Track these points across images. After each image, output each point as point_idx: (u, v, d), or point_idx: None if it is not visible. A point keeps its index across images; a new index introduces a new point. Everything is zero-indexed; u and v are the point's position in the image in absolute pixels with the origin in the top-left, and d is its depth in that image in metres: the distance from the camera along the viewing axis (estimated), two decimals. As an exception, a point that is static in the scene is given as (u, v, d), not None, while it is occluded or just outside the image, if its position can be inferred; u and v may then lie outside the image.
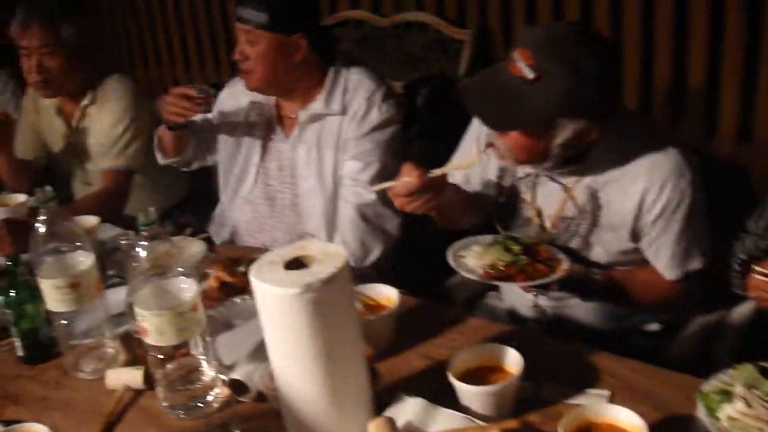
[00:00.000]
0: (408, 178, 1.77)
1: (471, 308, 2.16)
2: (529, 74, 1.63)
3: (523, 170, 1.94)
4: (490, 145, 1.80)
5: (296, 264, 1.29)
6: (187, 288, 1.46)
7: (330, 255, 1.29)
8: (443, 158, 1.93)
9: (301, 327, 1.24)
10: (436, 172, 1.79)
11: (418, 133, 2.83)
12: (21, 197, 2.61)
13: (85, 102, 2.80)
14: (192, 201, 3.03)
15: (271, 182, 2.40)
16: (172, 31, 4.94)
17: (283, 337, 1.28)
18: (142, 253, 1.43)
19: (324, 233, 2.30)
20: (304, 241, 1.35)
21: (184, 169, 2.56)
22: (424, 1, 3.75)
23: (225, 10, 4.56)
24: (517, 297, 2.07)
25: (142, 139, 2.70)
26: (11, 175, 2.85)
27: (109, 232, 2.37)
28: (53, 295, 1.63)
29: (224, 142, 2.47)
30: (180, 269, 1.47)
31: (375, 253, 2.28)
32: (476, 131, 2.00)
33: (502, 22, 3.52)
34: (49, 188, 1.61)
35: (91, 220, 2.30)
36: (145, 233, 1.42)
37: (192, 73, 4.93)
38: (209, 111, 2.31)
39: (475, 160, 1.84)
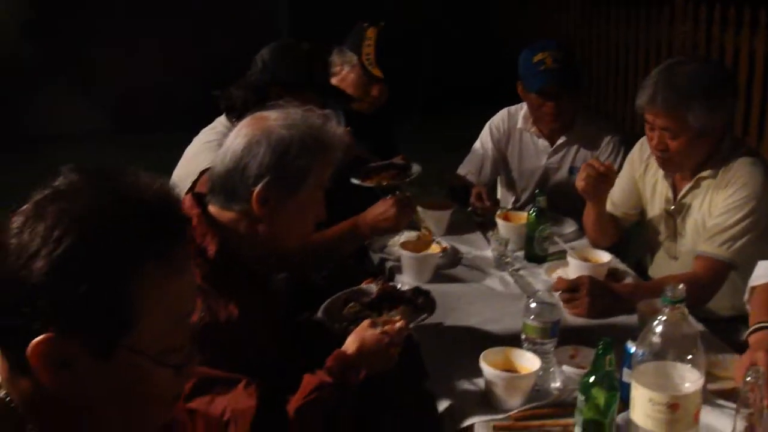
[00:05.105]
0: None
1: None
2: None
3: None
4: None
5: None
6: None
7: None
8: None
9: None
10: None
11: None
12: (605, 256, 2.52)
13: (702, 174, 2.50)
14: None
15: None
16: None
17: None
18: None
19: None
20: None
21: None
22: None
23: None
24: None
25: (753, 234, 2.34)
26: (595, 228, 2.76)
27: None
28: (643, 408, 1.45)
29: None
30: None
31: None
32: None
33: None
34: (681, 287, 1.43)
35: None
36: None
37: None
38: None
39: None
